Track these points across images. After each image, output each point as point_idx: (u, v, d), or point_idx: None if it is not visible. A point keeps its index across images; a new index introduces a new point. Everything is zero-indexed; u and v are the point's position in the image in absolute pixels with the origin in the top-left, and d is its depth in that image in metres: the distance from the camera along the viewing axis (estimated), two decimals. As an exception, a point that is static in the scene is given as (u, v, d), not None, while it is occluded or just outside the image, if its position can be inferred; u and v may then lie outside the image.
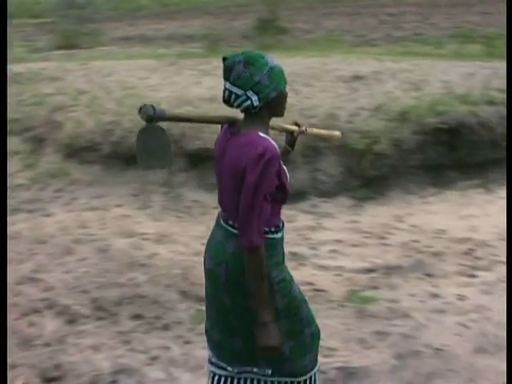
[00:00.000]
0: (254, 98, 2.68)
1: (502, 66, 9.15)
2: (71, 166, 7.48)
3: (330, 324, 4.61)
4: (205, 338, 3.14)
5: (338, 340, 4.42)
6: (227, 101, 2.74)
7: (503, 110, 7.73)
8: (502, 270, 5.40)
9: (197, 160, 7.15)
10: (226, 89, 2.71)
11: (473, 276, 5.34)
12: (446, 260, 5.62)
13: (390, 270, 5.43)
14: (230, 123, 2.84)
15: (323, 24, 17.31)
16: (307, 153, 7.07)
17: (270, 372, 2.92)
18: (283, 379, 2.95)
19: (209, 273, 2.94)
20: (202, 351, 4.23)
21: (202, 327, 4.47)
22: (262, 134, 2.70)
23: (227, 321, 2.90)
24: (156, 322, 4.63)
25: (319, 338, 3.09)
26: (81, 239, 6.03)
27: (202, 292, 4.94)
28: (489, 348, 4.29)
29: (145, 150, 2.71)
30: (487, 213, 6.69)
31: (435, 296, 5.00)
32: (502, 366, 4.06)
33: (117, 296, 4.95)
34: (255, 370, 2.93)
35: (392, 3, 22.16)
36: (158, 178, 7.14)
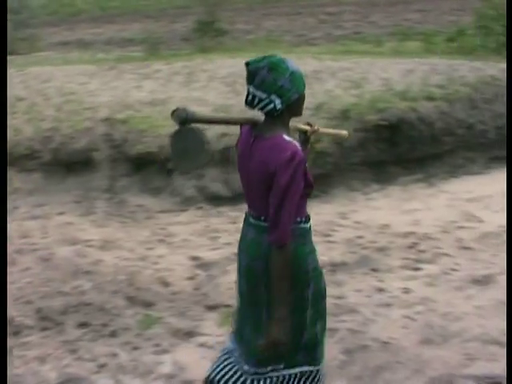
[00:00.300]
0: (277, 102, 2.82)
1: (440, 62, 9.34)
2: (11, 174, 7.32)
3: (277, 323, 4.63)
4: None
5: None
6: (250, 103, 2.86)
7: (442, 105, 7.89)
8: (445, 261, 5.52)
9: (139, 164, 7.10)
10: (249, 92, 2.84)
11: (417, 269, 5.42)
12: (390, 254, 5.69)
13: (336, 266, 5.47)
14: (252, 124, 2.96)
15: (263, 24, 17.38)
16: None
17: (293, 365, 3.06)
18: (308, 368, 3.11)
19: (245, 269, 3.03)
20: (150, 356, 4.22)
21: (150, 332, 4.50)
22: (286, 138, 2.83)
23: (259, 317, 2.99)
24: (103, 329, 4.57)
25: None
26: (23, 249, 5.92)
27: (149, 297, 4.96)
28: (435, 339, 4.36)
29: (181, 152, 2.83)
30: (429, 206, 6.80)
31: (381, 290, 5.05)
32: (448, 355, 4.15)
33: (62, 305, 4.87)
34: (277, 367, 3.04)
35: (331, 3, 22.35)
36: (101, 184, 7.06)
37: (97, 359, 4.21)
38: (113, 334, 4.51)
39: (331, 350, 4.27)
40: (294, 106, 2.91)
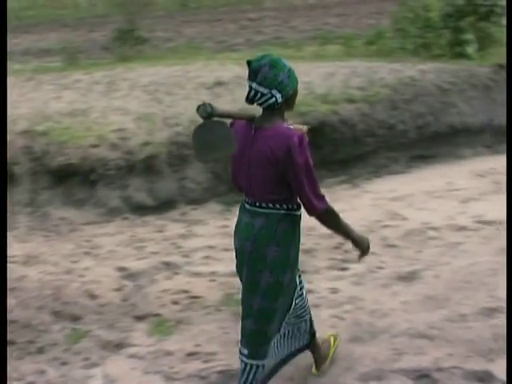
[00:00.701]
0: (278, 96, 3.15)
1: (360, 64, 9.49)
2: None
3: (207, 329, 4.64)
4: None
5: (217, 344, 4.45)
6: (251, 99, 3.17)
7: (363, 107, 8.02)
8: (371, 260, 5.58)
9: (61, 177, 6.96)
10: (252, 89, 3.14)
11: (344, 269, 5.49)
12: (317, 256, 5.75)
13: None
14: (250, 119, 3.23)
15: (184, 32, 17.33)
16: (174, 161, 7.05)
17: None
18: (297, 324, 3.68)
19: (238, 251, 3.42)
20: (80, 371, 4.16)
21: (79, 346, 4.43)
22: (287, 126, 3.19)
23: (242, 296, 3.43)
24: (29, 346, 4.48)
25: None
26: None
27: (76, 310, 4.88)
28: (363, 336, 4.44)
29: (205, 144, 3.03)
30: (354, 207, 6.89)
31: (309, 291, 5.05)
32: (377, 351, 4.22)
33: (-15, 323, 4.74)
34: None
35: (251, 8, 22.48)
36: (22, 198, 6.89)
37: (24, 378, 4.14)
38: (40, 351, 4.43)
39: (262, 354, 4.29)
40: (290, 100, 3.25)
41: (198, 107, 3.00)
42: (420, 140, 8.27)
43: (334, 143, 7.69)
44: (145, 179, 6.92)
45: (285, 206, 3.29)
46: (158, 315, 4.86)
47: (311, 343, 3.88)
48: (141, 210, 6.80)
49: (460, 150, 8.57)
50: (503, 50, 10.30)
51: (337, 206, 6.88)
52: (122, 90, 8.23)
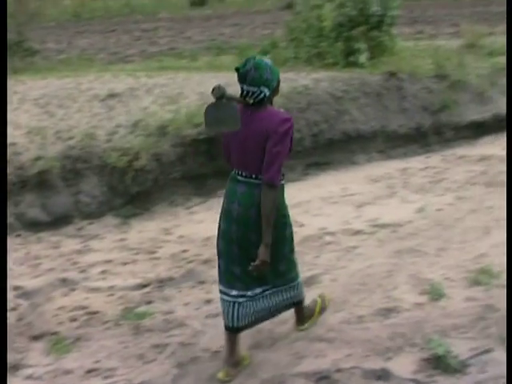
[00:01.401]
0: (266, 90, 3.76)
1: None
2: None
3: (107, 345, 4.57)
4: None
5: (117, 359, 4.40)
6: (246, 97, 3.77)
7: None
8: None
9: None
10: (243, 90, 3.76)
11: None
12: (215, 266, 5.71)
13: (163, 282, 5.47)
14: (247, 104, 3.80)
15: (76, 43, 17.05)
16: (68, 176, 6.91)
17: (278, 285, 4.16)
18: (283, 287, 4.18)
19: (225, 212, 4.03)
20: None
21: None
22: (276, 109, 3.88)
23: (231, 251, 4.04)
24: None
25: None
26: None
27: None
28: (264, 342, 4.49)
29: (215, 119, 3.63)
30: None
31: (209, 302, 5.11)
32: (278, 356, 4.26)
33: None
34: (265, 288, 4.11)
35: (145, 19, 22.37)
36: None
37: None
38: None
39: (163, 366, 4.29)
40: (275, 90, 3.88)
41: (213, 89, 3.56)
42: (315, 147, 8.41)
43: (230, 153, 7.72)
44: (38, 195, 6.75)
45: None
46: (55, 333, 4.75)
47: (298, 303, 4.43)
48: (35, 226, 6.63)
49: (354, 156, 8.77)
50: (393, 59, 10.65)
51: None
52: (12, 104, 8.00)
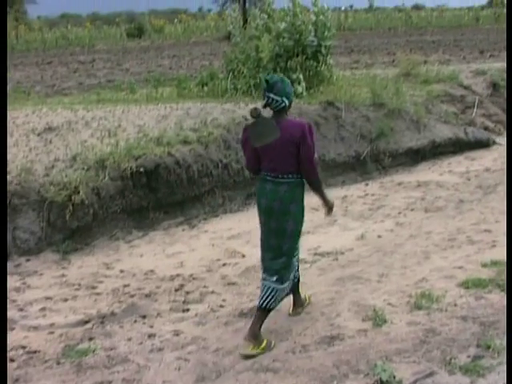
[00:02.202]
0: (286, 101, 4.68)
1: (193, 105, 9.60)
2: None
3: (47, 385, 4.45)
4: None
5: (56, 400, 4.28)
6: (269, 105, 4.68)
7: (197, 147, 8.11)
8: (213, 299, 5.64)
9: None
10: (269, 97, 4.65)
11: (186, 310, 5.48)
12: (158, 299, 5.70)
13: (104, 318, 5.37)
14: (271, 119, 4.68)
15: (11, 76, 16.83)
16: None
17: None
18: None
19: (265, 208, 4.83)
20: None
21: None
22: (296, 119, 5.14)
23: (270, 242, 4.91)
24: None
25: None
26: None
27: None
28: (209, 375, 4.45)
29: (259, 134, 4.62)
30: (192, 248, 6.92)
31: (152, 336, 5.04)
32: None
33: None
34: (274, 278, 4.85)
35: (83, 51, 22.28)
36: None
37: None
38: None
39: (105, 405, 4.19)
40: (290, 104, 4.75)
41: (251, 110, 4.59)
42: (255, 178, 8.42)
43: (170, 185, 7.70)
44: None
45: (299, 176, 4.73)
46: None
47: (297, 284, 5.21)
48: None
49: (295, 185, 8.82)
50: (331, 88, 10.83)
51: (175, 248, 7.03)
52: None
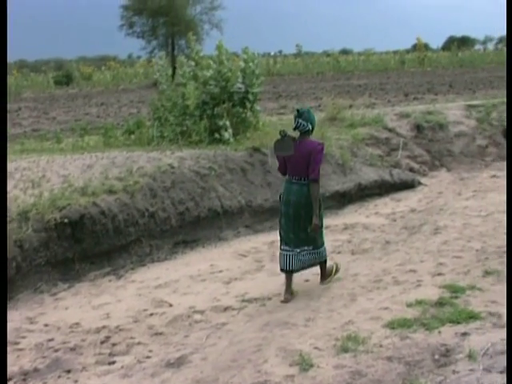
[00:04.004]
0: (310, 126, 6.46)
1: (120, 154, 9.57)
2: None
3: None
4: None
5: None
6: (298, 127, 6.47)
7: (123, 196, 8.06)
8: (139, 350, 5.58)
9: None
10: (299, 122, 6.43)
11: (112, 363, 5.40)
12: (83, 353, 5.59)
13: (27, 375, 5.24)
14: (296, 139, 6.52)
15: None
16: None
17: (311, 247, 6.68)
18: (318, 250, 6.74)
19: (294, 203, 6.53)
20: None
21: None
22: (314, 140, 6.60)
23: (293, 225, 6.60)
24: None
25: None
26: None
27: None
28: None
29: (281, 148, 6.46)
30: (119, 298, 6.83)
31: (76, 392, 4.93)
32: None
33: None
34: (306, 247, 6.65)
35: (9, 99, 21.96)
36: None
37: None
38: None
39: None
40: (313, 128, 6.57)
41: (280, 131, 6.45)
42: (182, 226, 8.45)
43: (96, 235, 7.62)
44: None
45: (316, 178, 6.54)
46: None
47: (322, 263, 6.92)
48: None
49: (222, 233, 8.86)
50: (257, 134, 10.94)
51: (101, 299, 6.93)
52: None
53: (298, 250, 6.59)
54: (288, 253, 6.63)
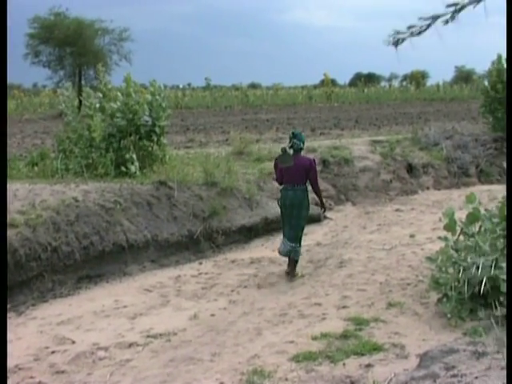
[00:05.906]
0: (301, 145, 8.59)
1: (22, 187, 9.31)
2: None
3: None
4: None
5: None
6: (292, 146, 8.44)
7: (24, 230, 7.84)
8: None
9: None
10: (294, 142, 8.46)
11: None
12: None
13: None
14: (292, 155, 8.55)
15: None
16: None
17: (293, 245, 8.59)
18: (297, 249, 8.64)
19: (287, 204, 8.48)
20: None
21: None
22: (305, 156, 9.10)
23: (289, 222, 8.57)
24: None
25: None
26: None
27: None
28: None
29: (281, 160, 8.49)
30: (19, 336, 6.61)
31: None
32: None
33: None
34: (294, 244, 8.58)
35: None
36: None
37: None
38: None
39: None
40: (303, 147, 8.72)
41: (282, 148, 8.53)
42: (86, 260, 8.29)
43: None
44: None
45: (305, 186, 8.47)
46: None
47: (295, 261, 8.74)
48: None
49: (127, 267, 8.75)
50: (164, 168, 10.90)
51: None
52: None
53: (289, 243, 8.48)
54: (288, 245, 8.49)
